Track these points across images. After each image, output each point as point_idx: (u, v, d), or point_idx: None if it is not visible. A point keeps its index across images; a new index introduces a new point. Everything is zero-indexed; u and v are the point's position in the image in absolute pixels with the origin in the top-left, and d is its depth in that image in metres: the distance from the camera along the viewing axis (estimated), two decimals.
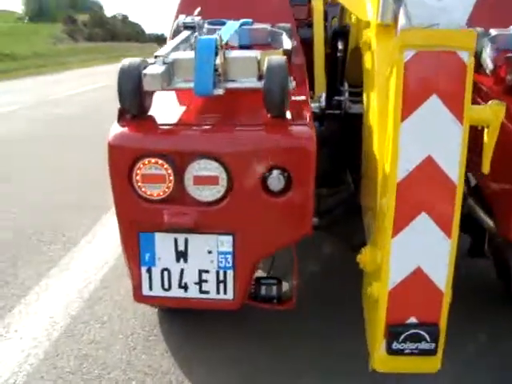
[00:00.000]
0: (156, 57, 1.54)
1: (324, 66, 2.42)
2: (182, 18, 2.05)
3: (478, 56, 2.05)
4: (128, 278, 2.63)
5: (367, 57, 1.90)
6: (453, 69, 1.27)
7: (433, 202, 1.35)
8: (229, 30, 1.90)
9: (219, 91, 1.50)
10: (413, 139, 1.31)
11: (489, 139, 1.40)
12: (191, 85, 1.52)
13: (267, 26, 2.11)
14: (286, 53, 1.80)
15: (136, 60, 1.53)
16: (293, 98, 1.60)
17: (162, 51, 1.59)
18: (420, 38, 1.26)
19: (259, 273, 2.03)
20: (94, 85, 13.76)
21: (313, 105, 2.26)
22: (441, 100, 1.29)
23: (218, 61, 1.48)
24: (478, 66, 2.02)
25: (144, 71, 1.47)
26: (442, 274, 1.40)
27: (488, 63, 1.99)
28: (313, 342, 2.19)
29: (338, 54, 2.37)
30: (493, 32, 2.11)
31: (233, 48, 2.03)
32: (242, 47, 2.09)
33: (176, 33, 2.03)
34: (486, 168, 1.43)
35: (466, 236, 2.08)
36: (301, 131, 1.51)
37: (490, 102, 1.41)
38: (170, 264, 1.63)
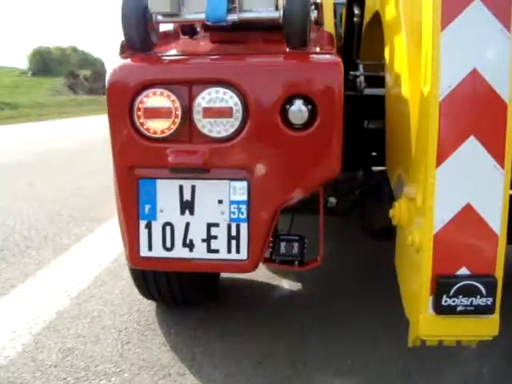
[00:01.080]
0: None
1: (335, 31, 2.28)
2: None
3: None
4: (124, 279, 2.44)
5: (389, 12, 1.75)
6: None
7: (482, 123, 1.17)
8: None
9: (233, 17, 1.34)
10: (454, 50, 1.14)
11: None
12: (202, 16, 1.37)
13: None
14: None
15: None
16: (315, 33, 1.45)
17: None
18: None
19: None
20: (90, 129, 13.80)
21: None
22: (485, 6, 1.13)
23: None
24: None
25: None
26: (495, 213, 1.18)
27: None
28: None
29: (355, 19, 2.23)
30: None
31: None
32: None
33: None
34: None
35: None
36: (325, 58, 1.34)
37: None
38: (174, 217, 1.41)
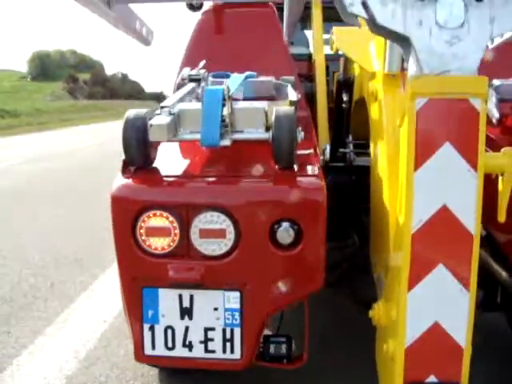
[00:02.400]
0: (162, 107, 1.52)
1: (327, 119, 2.42)
2: (187, 71, 2.05)
3: None
4: (128, 338, 2.57)
5: (374, 107, 1.89)
6: (465, 116, 1.25)
7: (449, 253, 1.30)
8: (235, 82, 1.90)
9: (226, 142, 1.47)
10: (426, 188, 1.27)
11: (504, 186, 1.37)
12: (198, 136, 1.50)
13: (272, 79, 2.12)
14: (293, 104, 1.79)
15: (141, 110, 1.51)
16: (301, 150, 1.57)
17: (167, 102, 1.57)
18: (431, 86, 1.24)
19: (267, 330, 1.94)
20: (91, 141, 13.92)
21: None
22: (454, 148, 1.26)
23: (226, 112, 1.46)
24: None
25: (150, 122, 1.45)
26: (461, 329, 1.32)
27: (494, 113, 1.98)
28: None
29: (343, 106, 2.37)
30: (496, 82, 2.13)
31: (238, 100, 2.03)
32: (246, 99, 2.09)
33: (180, 85, 2.02)
34: (501, 216, 1.38)
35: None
36: (310, 182, 1.47)
37: (503, 149, 1.38)
38: (174, 321, 1.55)
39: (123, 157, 1.53)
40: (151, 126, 1.44)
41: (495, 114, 1.96)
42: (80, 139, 14.95)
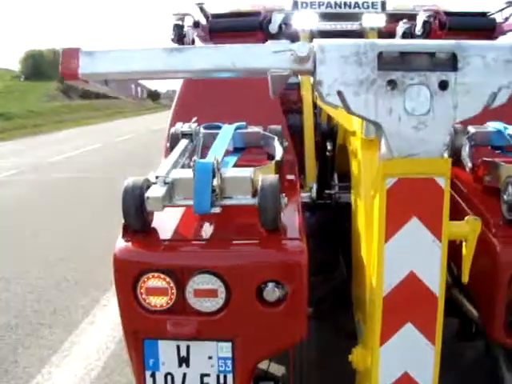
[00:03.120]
0: (157, 177, 1.67)
1: (314, 157, 2.57)
2: (179, 126, 2.20)
3: (458, 152, 2.22)
4: (129, 366, 2.73)
5: (354, 164, 2.04)
6: (431, 194, 1.40)
7: (417, 313, 1.46)
8: (223, 142, 2.05)
9: (216, 210, 1.63)
10: (396, 257, 1.43)
11: (467, 252, 1.53)
12: (191, 202, 1.65)
13: (260, 130, 2.27)
14: (278, 164, 1.94)
15: (139, 180, 1.66)
16: (286, 208, 1.73)
17: (162, 170, 1.72)
18: (400, 167, 1.39)
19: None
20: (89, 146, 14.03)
21: (304, 194, 2.41)
22: (421, 222, 1.41)
23: (215, 182, 1.61)
24: (458, 161, 2.20)
25: (146, 194, 1.60)
26: (428, 379, 1.49)
27: (467, 162, 2.14)
28: None
29: (327, 154, 2.53)
30: (471, 129, 2.29)
31: (228, 151, 2.19)
32: (236, 149, 2.24)
33: (173, 139, 2.17)
34: (465, 278, 1.54)
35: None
36: (293, 246, 1.63)
37: (466, 217, 1.53)
38: (173, 369, 1.70)
39: (123, 221, 1.68)
40: (148, 198, 1.59)
41: (468, 164, 2.13)
42: (77, 144, 15.00)
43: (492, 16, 2.91)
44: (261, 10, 2.85)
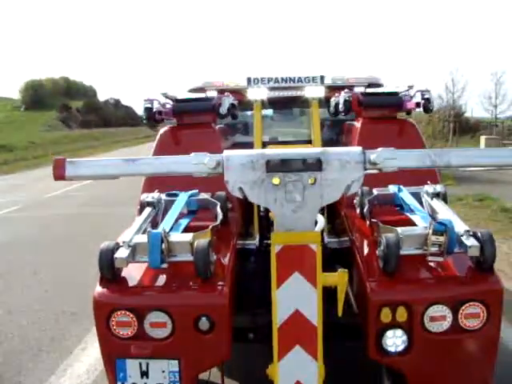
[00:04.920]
0: (123, 242, 2.33)
1: (257, 214, 3.24)
2: (145, 197, 2.89)
3: (362, 207, 2.90)
4: None
5: None
6: (307, 255, 2.05)
7: (302, 338, 2.09)
8: (177, 208, 2.74)
9: (164, 265, 2.29)
10: (285, 299, 2.07)
11: (339, 294, 2.17)
12: (147, 259, 2.31)
13: (208, 197, 2.95)
14: (214, 228, 2.60)
15: (111, 243, 2.32)
16: (217, 260, 2.39)
17: (126, 236, 2.39)
18: (284, 238, 2.04)
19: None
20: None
21: (250, 242, 3.09)
22: (301, 275, 2.06)
23: (164, 246, 2.27)
24: (362, 214, 2.88)
25: (115, 255, 2.26)
26: None
27: (367, 218, 2.81)
28: None
29: (262, 214, 3.20)
30: (375, 191, 2.97)
31: (182, 214, 2.86)
32: (190, 212, 2.93)
33: (141, 207, 2.86)
34: (339, 312, 2.19)
35: None
36: (218, 290, 2.28)
37: (339, 270, 2.18)
38: (137, 380, 2.33)
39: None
40: (115, 258, 2.26)
41: (367, 221, 2.80)
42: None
43: (401, 95, 3.59)
44: (213, 96, 3.55)
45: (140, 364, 2.33)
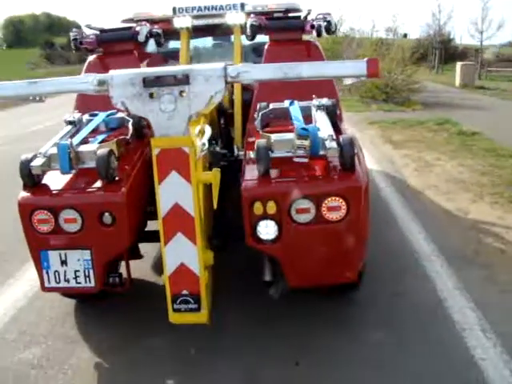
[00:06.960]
0: (39, 153, 2.76)
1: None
2: (67, 116, 3.29)
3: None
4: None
5: None
6: (181, 156, 2.46)
7: (182, 226, 2.53)
8: (92, 125, 3.16)
9: (73, 171, 2.74)
10: (166, 193, 2.50)
11: (214, 189, 2.62)
12: (58, 166, 2.75)
13: (124, 116, 3.34)
14: (120, 141, 3.02)
15: (29, 156, 2.76)
16: (119, 167, 2.83)
17: (44, 148, 2.82)
18: (160, 142, 2.43)
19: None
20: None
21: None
22: (178, 173, 2.49)
23: (72, 154, 2.71)
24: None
25: (31, 164, 2.70)
26: (196, 266, 2.55)
27: (258, 127, 3.24)
28: None
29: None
30: (271, 105, 3.38)
31: (102, 130, 3.28)
32: (111, 129, 3.35)
33: (66, 123, 3.28)
34: (214, 205, 2.65)
35: None
36: (118, 189, 2.74)
37: (213, 169, 2.61)
38: (58, 267, 2.84)
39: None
40: (31, 166, 2.70)
41: (258, 127, 3.23)
42: (60, 113, 15.76)
43: (302, 18, 3.92)
44: (132, 25, 3.89)
45: (60, 254, 2.82)
